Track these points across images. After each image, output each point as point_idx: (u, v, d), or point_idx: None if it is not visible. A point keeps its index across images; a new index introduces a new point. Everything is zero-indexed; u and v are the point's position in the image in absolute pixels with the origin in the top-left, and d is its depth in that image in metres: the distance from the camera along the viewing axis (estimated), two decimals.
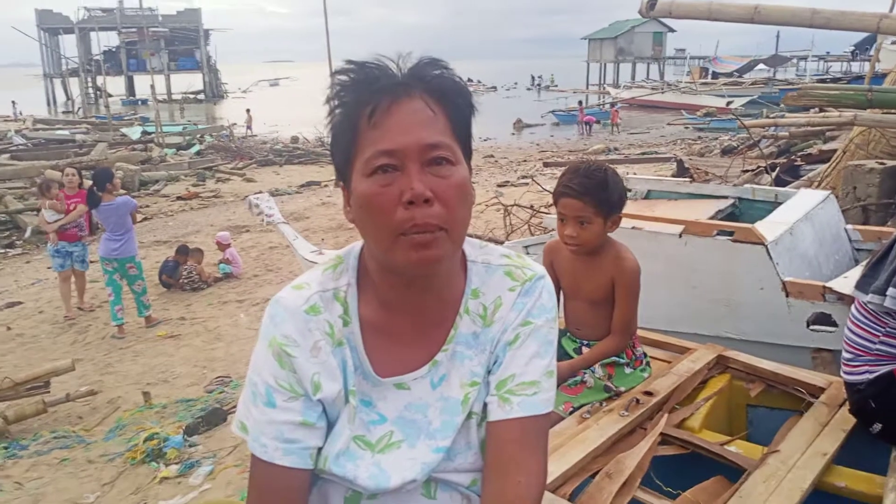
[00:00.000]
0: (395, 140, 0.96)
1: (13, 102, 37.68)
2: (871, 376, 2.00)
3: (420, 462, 1.07)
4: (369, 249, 1.08)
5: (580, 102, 31.58)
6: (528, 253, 3.92)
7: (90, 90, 52.83)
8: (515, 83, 70.97)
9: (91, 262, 7.77)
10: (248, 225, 11.36)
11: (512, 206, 8.31)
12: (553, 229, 2.66)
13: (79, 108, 42.05)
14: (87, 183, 7.30)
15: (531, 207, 8.47)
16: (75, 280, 7.65)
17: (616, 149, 21.07)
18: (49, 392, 5.24)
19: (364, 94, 0.98)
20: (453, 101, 1.02)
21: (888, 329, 1.99)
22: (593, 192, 2.21)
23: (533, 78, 70.74)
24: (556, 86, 63.67)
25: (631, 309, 2.35)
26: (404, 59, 1.01)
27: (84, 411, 5.20)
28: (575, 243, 2.28)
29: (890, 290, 1.91)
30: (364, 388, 1.09)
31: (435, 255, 0.98)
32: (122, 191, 8.91)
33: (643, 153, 18.68)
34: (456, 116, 1.02)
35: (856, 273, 2.51)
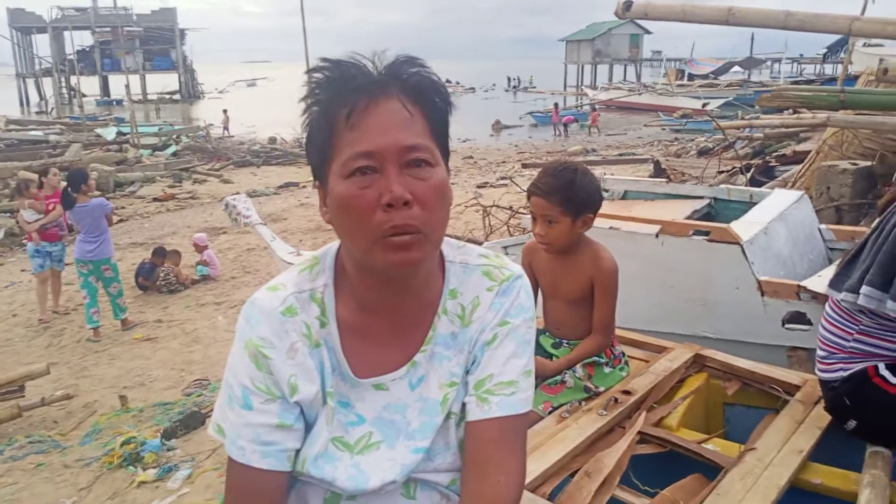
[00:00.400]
0: (374, 141, 0.95)
1: None
2: (845, 374, 2.02)
3: (399, 463, 1.06)
4: (347, 250, 1.07)
5: (556, 104, 31.72)
6: (507, 253, 3.93)
7: (64, 90, 52.07)
8: (494, 84, 71.10)
9: (66, 264, 7.67)
10: (225, 226, 11.25)
11: (491, 207, 8.34)
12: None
13: (52, 109, 41.40)
14: (63, 184, 7.23)
15: (510, 208, 8.49)
16: (51, 282, 7.55)
17: (594, 150, 21.17)
18: (24, 396, 5.16)
19: (341, 92, 0.97)
20: (430, 100, 1.01)
21: (861, 327, 2.01)
22: (560, 192, 2.24)
23: (509, 80, 70.86)
24: (535, 87, 63.91)
25: (610, 308, 2.37)
26: (380, 57, 1.00)
27: (59, 416, 5.13)
28: (544, 242, 2.32)
29: (863, 289, 1.93)
30: (342, 390, 1.08)
31: (414, 257, 0.98)
32: (96, 192, 8.81)
33: (620, 154, 18.79)
34: (434, 116, 1.02)
35: (829, 272, 2.54)
